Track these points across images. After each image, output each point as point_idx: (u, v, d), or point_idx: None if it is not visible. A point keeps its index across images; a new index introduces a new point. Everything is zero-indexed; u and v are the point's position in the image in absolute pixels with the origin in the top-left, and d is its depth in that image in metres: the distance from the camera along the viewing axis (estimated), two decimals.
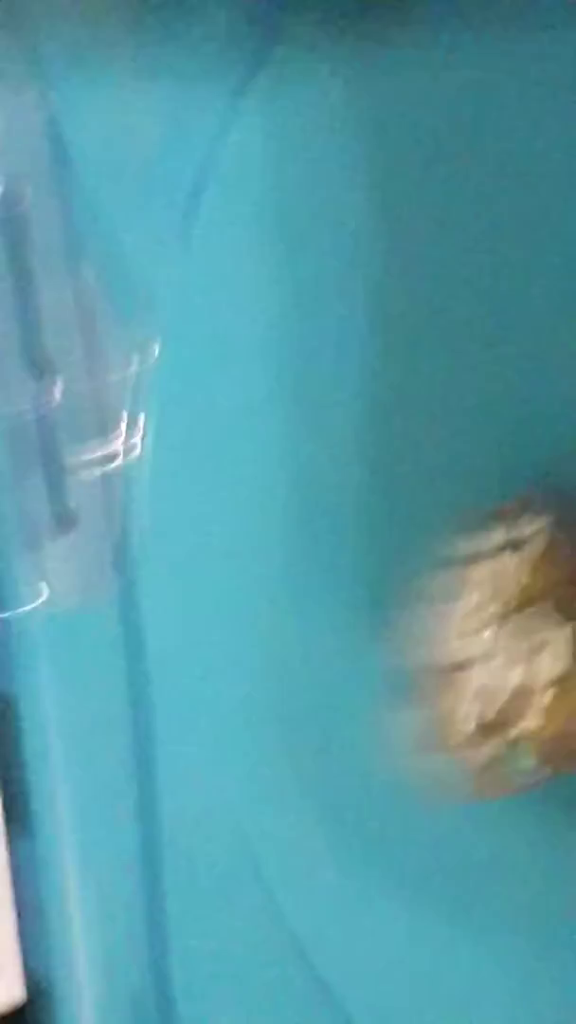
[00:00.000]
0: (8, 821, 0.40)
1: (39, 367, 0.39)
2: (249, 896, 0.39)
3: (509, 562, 0.32)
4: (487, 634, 0.32)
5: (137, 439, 0.39)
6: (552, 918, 0.36)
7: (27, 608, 0.39)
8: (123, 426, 0.39)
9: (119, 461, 0.39)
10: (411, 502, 0.37)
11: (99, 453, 0.39)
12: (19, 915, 0.40)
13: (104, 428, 0.39)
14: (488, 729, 0.31)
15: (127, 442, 0.39)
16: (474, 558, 0.33)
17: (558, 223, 0.37)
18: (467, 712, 0.31)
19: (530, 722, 0.30)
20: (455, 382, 0.37)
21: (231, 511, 0.39)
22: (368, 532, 0.38)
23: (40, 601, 0.39)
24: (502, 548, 0.32)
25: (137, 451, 0.39)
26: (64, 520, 0.39)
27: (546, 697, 0.30)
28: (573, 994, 0.37)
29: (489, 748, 0.31)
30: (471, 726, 0.31)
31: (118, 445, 0.39)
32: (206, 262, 0.39)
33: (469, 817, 0.35)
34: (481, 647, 0.32)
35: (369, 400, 0.38)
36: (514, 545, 0.32)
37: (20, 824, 0.40)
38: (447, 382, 0.37)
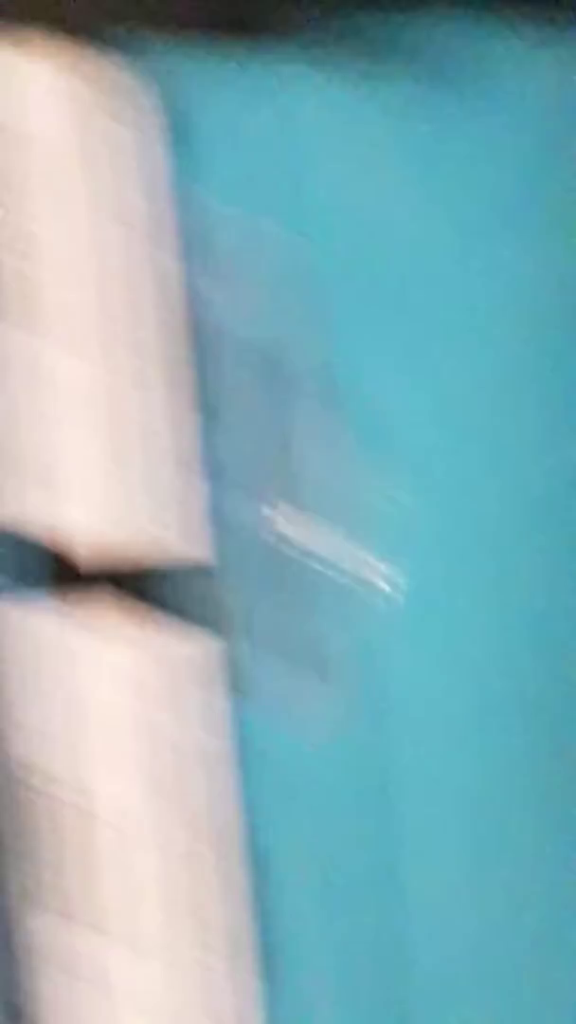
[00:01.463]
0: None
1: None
2: None
3: None
4: None
5: (391, 579, 0.39)
6: None
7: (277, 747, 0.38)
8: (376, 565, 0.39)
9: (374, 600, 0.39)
10: None
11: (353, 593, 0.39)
12: None
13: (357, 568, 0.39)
14: None
15: (382, 581, 0.39)
16: None
17: None
18: None
19: None
20: None
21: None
22: None
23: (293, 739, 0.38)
24: None
25: (392, 590, 0.39)
26: (318, 661, 0.39)
27: None
28: None
29: None
30: None
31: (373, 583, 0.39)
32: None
33: None
34: None
35: None
36: None
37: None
38: None
